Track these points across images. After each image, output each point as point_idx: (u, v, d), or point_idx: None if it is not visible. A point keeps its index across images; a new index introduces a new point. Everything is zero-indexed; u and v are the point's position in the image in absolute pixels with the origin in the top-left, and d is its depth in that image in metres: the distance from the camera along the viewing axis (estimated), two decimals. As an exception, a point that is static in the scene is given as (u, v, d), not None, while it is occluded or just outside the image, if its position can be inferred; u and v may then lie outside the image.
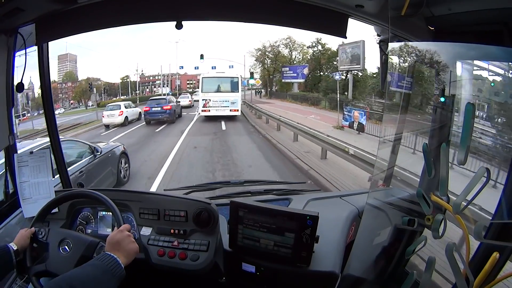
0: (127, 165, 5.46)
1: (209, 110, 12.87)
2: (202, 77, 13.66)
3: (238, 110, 13.24)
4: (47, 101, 1.66)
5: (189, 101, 22.65)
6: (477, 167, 0.94)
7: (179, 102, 17.77)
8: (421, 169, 1.40)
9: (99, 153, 4.61)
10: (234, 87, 13.43)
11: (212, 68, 24.78)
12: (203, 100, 13.07)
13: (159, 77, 31.96)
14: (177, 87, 32.03)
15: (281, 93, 26.86)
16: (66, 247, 1.08)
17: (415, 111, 1.60)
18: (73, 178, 3.87)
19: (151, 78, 31.92)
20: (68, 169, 3.94)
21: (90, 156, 4.43)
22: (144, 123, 13.84)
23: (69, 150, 4.16)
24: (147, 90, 31.72)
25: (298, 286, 1.23)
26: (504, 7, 0.96)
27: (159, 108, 13.04)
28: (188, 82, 34.63)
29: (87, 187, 1.65)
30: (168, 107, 13.20)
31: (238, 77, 13.91)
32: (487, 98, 1.18)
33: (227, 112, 12.89)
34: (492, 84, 1.15)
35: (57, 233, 1.12)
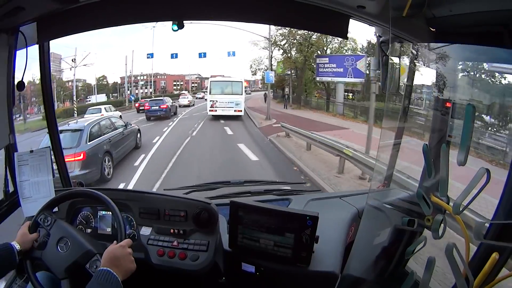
0: (139, 135, 8.78)
1: (216, 110, 14.78)
2: (210, 81, 15.83)
3: (241, 111, 14.87)
4: (47, 100, 1.67)
5: (188, 101, 23.83)
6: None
7: (174, 102, 19.79)
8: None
9: (129, 125, 8.05)
10: (238, 90, 15.15)
11: (200, 56, 21.14)
12: (210, 101, 15.00)
13: (142, 77, 27.34)
14: (156, 89, 27.67)
15: (309, 99, 18.45)
16: (64, 246, 1.08)
17: (415, 111, 1.60)
18: (117, 136, 7.01)
19: (132, 78, 27.53)
20: (114, 131, 7.09)
21: (124, 126, 7.68)
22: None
23: (115, 121, 7.70)
24: (128, 92, 26.69)
25: (298, 286, 1.23)
26: (505, 8, 0.96)
27: (157, 107, 15.88)
28: (174, 83, 30.47)
29: (101, 187, 1.64)
30: (164, 106, 16.07)
31: (241, 81, 15.70)
32: (487, 99, 1.18)
33: (231, 112, 14.59)
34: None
35: (60, 228, 1.12)
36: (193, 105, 23.23)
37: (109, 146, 6.41)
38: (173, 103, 18.64)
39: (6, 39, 1.31)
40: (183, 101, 22.75)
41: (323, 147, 6.73)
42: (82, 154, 5.35)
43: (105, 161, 6.06)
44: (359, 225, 1.34)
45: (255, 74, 21.11)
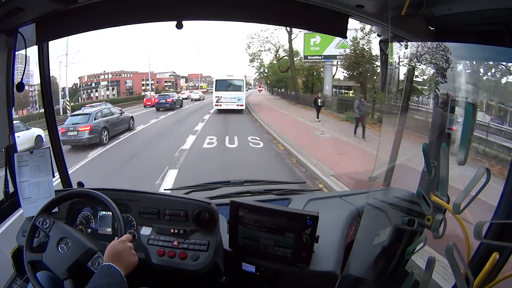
0: (132, 121, 12.59)
1: (221, 105, 17.02)
2: (215, 80, 17.82)
3: (243, 105, 17.05)
4: (47, 100, 1.66)
5: (199, 96, 27.36)
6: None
7: (179, 97, 23.55)
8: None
9: (123, 113, 12.23)
10: (240, 87, 17.27)
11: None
12: (216, 97, 17.17)
13: (105, 76, 22.33)
14: (121, 91, 22.61)
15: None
16: (65, 246, 1.08)
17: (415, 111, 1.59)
18: (113, 119, 11.09)
19: (91, 78, 22.52)
20: (111, 116, 11.76)
21: (119, 113, 11.85)
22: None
23: (113, 109, 11.94)
24: (84, 96, 21.76)
25: (298, 286, 1.23)
26: (504, 7, 0.96)
27: (164, 100, 19.82)
28: (143, 82, 25.06)
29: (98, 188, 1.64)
30: (170, 100, 19.95)
31: (243, 79, 17.79)
32: (487, 98, 1.18)
33: (234, 107, 16.81)
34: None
35: (60, 229, 1.12)
36: (203, 99, 26.20)
37: (107, 124, 10.51)
38: (179, 97, 22.52)
39: (5, 40, 1.31)
40: (194, 95, 27.55)
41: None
42: (89, 126, 9.57)
43: (103, 133, 10.08)
44: (359, 225, 1.33)
45: (257, 59, 20.87)
